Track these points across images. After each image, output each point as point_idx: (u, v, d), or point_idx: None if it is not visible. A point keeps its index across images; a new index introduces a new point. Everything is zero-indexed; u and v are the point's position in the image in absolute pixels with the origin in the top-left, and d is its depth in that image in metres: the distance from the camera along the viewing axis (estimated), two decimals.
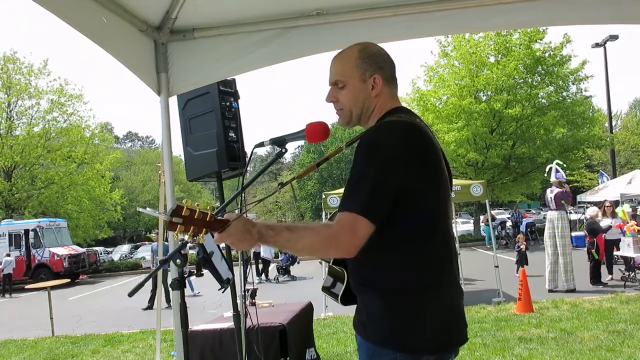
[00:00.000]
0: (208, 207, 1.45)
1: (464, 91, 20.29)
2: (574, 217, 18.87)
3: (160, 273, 4.85)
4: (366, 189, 1.46)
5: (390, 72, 1.70)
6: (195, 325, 4.52)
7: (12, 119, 25.96)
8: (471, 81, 20.29)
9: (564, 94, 21.48)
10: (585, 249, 10.85)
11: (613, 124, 27.08)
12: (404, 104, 1.82)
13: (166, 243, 10.85)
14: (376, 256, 1.51)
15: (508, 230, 23.04)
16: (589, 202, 17.63)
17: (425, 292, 1.51)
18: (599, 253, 9.83)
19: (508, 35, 20.41)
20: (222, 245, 3.54)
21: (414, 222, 1.50)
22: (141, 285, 2.11)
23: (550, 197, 9.46)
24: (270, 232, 1.47)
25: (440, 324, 1.52)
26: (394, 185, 1.47)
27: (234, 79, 3.78)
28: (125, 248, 31.81)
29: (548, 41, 20.80)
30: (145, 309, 11.63)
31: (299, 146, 56.67)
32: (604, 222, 10.42)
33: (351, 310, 1.69)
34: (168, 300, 11.52)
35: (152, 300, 11.71)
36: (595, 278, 9.70)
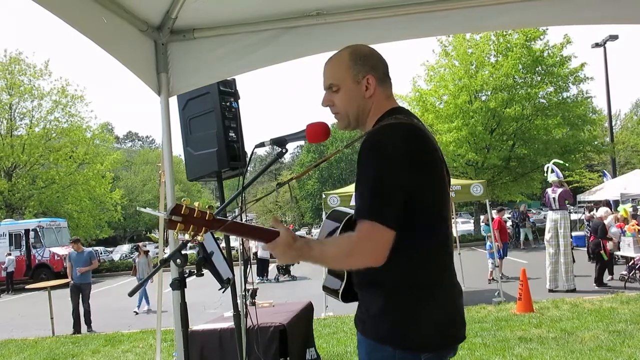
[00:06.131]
0: (207, 207, 1.47)
1: (462, 91, 20.28)
2: (574, 217, 18.87)
3: (159, 274, 4.83)
4: (378, 195, 1.46)
5: (384, 71, 1.70)
6: (195, 325, 4.53)
7: (14, 119, 25.99)
8: (469, 80, 20.28)
9: (564, 94, 21.46)
10: (586, 249, 10.83)
11: (613, 123, 27.04)
12: (404, 104, 1.82)
13: (87, 249, 9.79)
14: None
15: (509, 230, 23.02)
16: (589, 202, 17.65)
17: (424, 291, 1.53)
18: (606, 254, 9.73)
19: (508, 35, 20.38)
20: (222, 244, 3.55)
21: (415, 222, 1.51)
22: (141, 285, 2.13)
23: (554, 197, 9.36)
24: (306, 247, 1.51)
25: (439, 322, 1.53)
26: (402, 187, 1.47)
27: (234, 79, 3.78)
28: (125, 248, 31.80)
29: (547, 40, 20.79)
30: (72, 334, 9.42)
31: (298, 146, 56.68)
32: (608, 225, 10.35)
33: (352, 310, 1.69)
34: (88, 322, 9.60)
35: (77, 325, 9.57)
36: (600, 281, 9.59)
